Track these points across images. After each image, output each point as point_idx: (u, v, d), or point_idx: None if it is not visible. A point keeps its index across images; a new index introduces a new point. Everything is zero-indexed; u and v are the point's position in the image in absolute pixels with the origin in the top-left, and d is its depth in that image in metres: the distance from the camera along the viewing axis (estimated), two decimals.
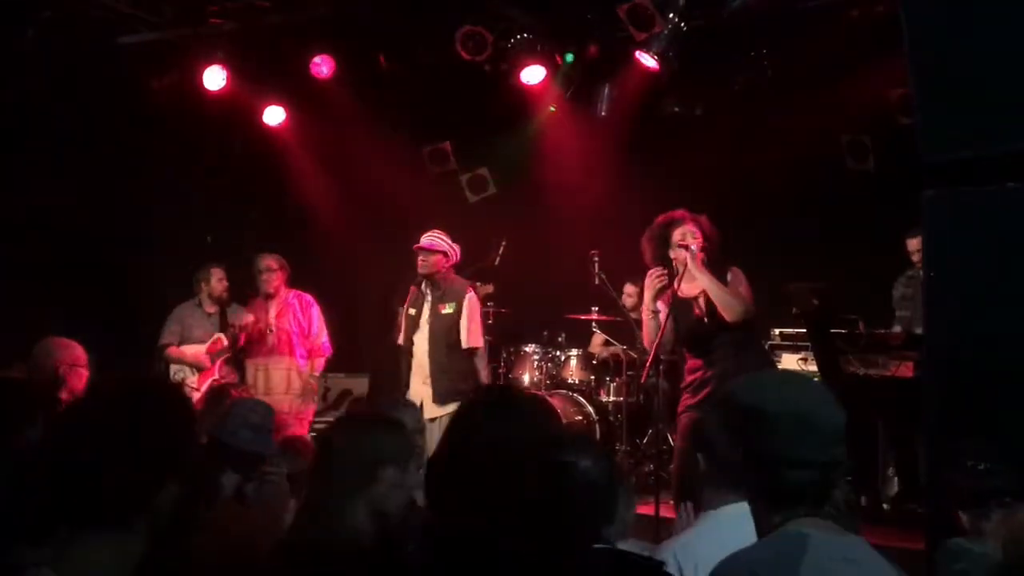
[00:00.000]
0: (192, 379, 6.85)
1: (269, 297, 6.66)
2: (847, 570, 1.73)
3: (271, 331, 6.58)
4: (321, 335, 6.75)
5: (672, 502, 5.68)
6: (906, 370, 5.72)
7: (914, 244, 6.21)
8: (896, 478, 5.94)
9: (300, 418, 6.54)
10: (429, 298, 6.08)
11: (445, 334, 6.00)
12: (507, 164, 8.51)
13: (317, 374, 6.71)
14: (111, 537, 1.62)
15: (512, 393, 2.11)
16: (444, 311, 6.01)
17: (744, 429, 1.83)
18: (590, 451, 2.43)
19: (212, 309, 6.86)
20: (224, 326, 6.77)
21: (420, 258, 6.01)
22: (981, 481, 2.74)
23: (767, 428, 1.79)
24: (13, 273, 6.77)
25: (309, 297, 6.79)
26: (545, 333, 7.76)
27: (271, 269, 6.62)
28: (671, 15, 6.21)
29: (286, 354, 6.61)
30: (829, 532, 1.81)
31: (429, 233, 6.07)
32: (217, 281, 6.79)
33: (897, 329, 6.00)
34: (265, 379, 6.57)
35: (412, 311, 6.15)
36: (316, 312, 6.76)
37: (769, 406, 1.81)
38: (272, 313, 6.64)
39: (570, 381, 7.54)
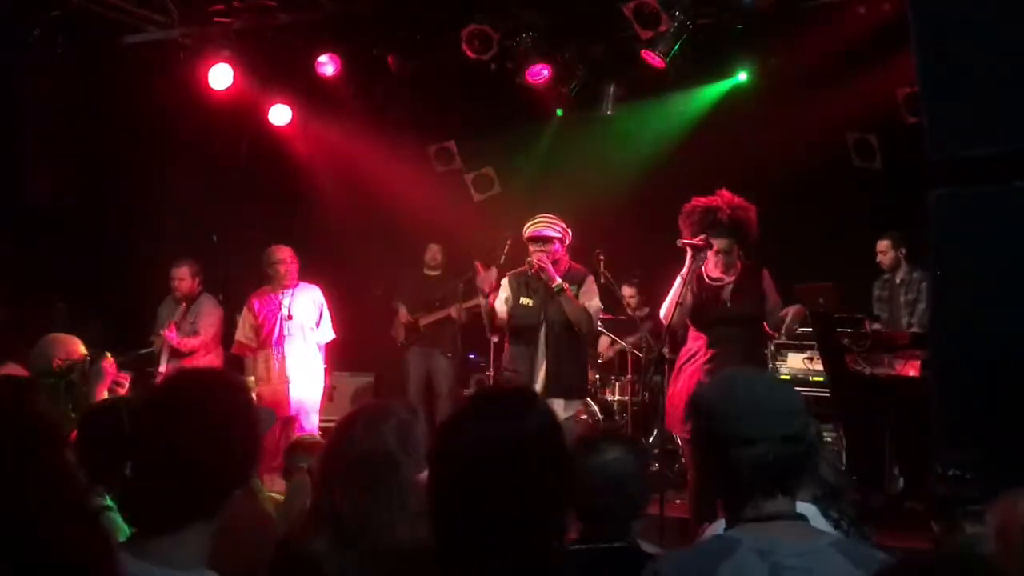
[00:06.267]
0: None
1: (285, 288, 6.65)
2: None
3: (286, 321, 6.62)
4: (322, 324, 6.75)
5: (679, 501, 5.70)
6: (911, 369, 5.73)
7: (882, 246, 6.38)
8: (901, 477, 5.93)
9: (309, 409, 6.59)
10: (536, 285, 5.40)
11: (564, 320, 5.34)
12: (512, 163, 8.52)
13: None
14: (202, 527, 1.71)
15: (515, 392, 2.03)
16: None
17: (701, 422, 1.89)
18: (618, 443, 2.51)
19: (181, 304, 6.86)
20: (180, 323, 6.74)
21: (539, 248, 5.31)
22: (953, 489, 2.69)
23: (719, 415, 1.84)
24: (18, 270, 6.79)
25: (316, 287, 6.81)
26: None
27: (286, 261, 6.64)
28: (677, 13, 6.20)
29: (297, 343, 6.63)
30: (791, 535, 1.77)
31: (543, 218, 5.40)
32: (179, 281, 6.79)
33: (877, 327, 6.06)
34: (268, 368, 6.60)
35: (526, 300, 5.41)
36: (323, 301, 6.78)
37: (720, 394, 1.87)
38: (286, 303, 6.65)
39: None
